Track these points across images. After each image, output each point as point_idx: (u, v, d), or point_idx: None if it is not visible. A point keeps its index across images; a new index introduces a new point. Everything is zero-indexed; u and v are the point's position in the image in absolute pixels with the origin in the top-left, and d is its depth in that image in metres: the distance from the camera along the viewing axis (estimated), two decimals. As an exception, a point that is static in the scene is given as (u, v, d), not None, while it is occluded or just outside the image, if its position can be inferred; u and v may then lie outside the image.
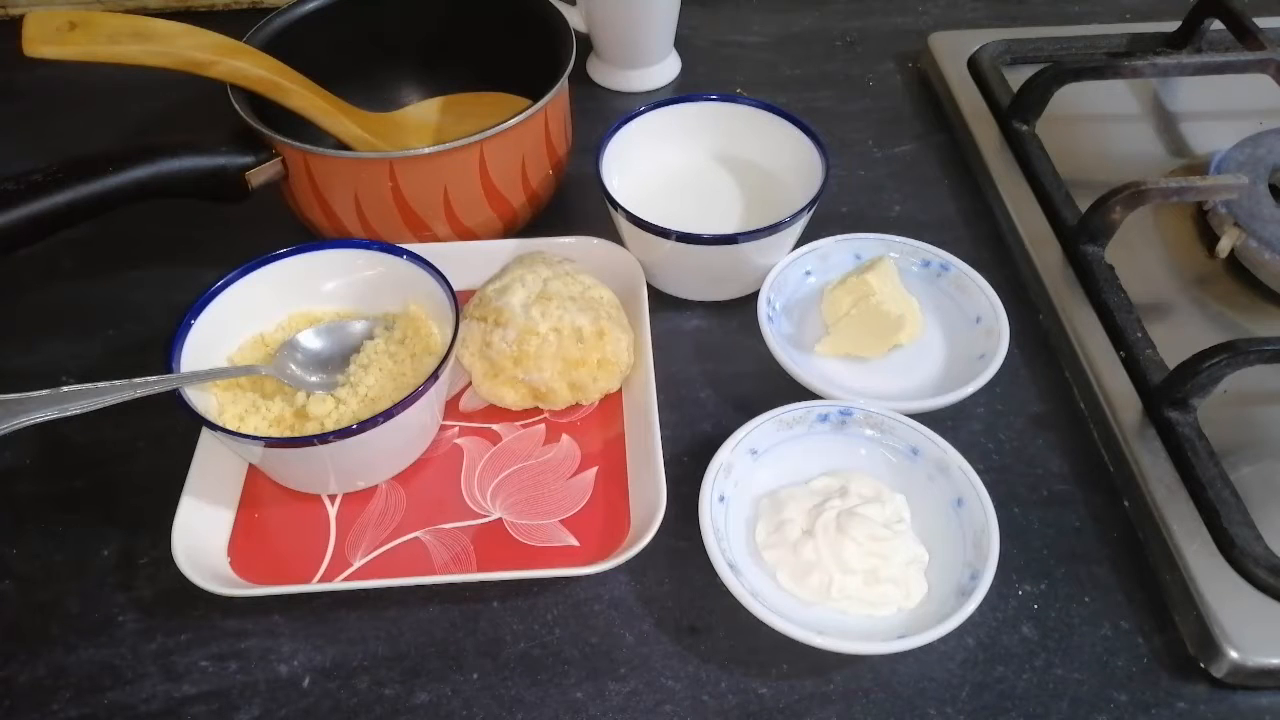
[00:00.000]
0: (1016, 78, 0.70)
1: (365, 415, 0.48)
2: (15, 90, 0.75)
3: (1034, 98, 0.67)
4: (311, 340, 0.52)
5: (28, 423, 0.42)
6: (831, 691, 0.43)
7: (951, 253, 0.57)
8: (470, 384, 0.53)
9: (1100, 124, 0.72)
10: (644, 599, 0.46)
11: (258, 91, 0.56)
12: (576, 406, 0.53)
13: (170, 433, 0.50)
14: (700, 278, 0.58)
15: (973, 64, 0.74)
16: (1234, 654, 0.42)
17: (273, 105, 0.56)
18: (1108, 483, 0.51)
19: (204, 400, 0.48)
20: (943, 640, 0.42)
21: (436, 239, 0.58)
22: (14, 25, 0.50)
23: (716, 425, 0.53)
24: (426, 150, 0.54)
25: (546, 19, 0.62)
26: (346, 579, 0.46)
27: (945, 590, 0.44)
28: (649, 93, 0.75)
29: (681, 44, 0.78)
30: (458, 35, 0.67)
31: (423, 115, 0.68)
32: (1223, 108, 0.72)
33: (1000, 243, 0.63)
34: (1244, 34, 0.70)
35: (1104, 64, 0.67)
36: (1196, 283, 0.60)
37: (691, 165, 0.63)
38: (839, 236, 0.58)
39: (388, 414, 0.45)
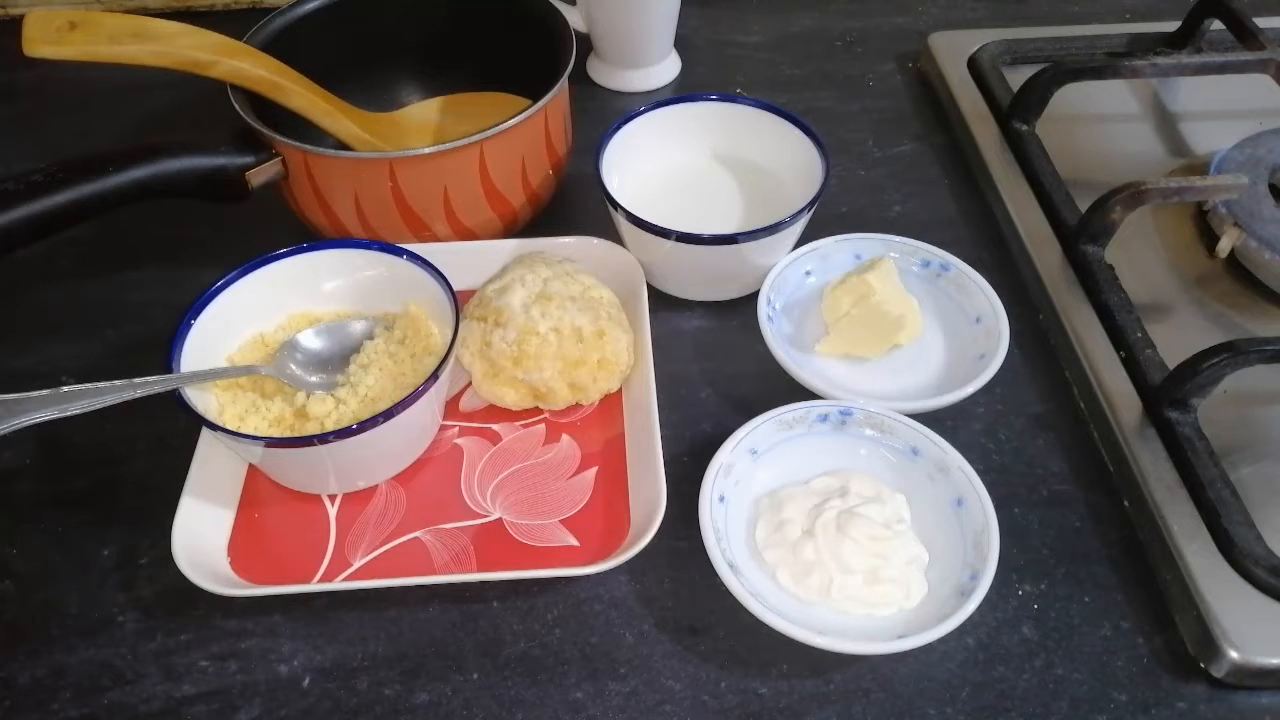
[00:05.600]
0: (1016, 78, 0.70)
1: (365, 415, 0.48)
2: (15, 90, 0.75)
3: (1034, 98, 0.67)
4: (311, 340, 0.52)
5: (28, 423, 0.42)
6: (831, 691, 0.43)
7: (951, 253, 0.57)
8: (470, 384, 0.53)
9: (1100, 124, 0.72)
10: (644, 599, 0.46)
11: (258, 91, 0.56)
12: (576, 406, 0.53)
13: (170, 433, 0.50)
14: (700, 278, 0.58)
15: (973, 64, 0.74)
16: (1234, 654, 0.42)
17: (273, 105, 0.56)
18: (1108, 483, 0.51)
19: (204, 400, 0.48)
20: (943, 640, 0.42)
21: (436, 239, 0.58)
22: (14, 25, 0.50)
23: (716, 425, 0.53)
24: (426, 150, 0.54)
25: (546, 19, 0.62)
26: (346, 579, 0.46)
27: (945, 590, 0.44)
28: (649, 93, 0.75)
29: (681, 44, 0.78)
30: (458, 35, 0.67)
31: (423, 115, 0.68)
32: (1223, 108, 0.72)
33: (1000, 243, 0.63)
34: (1244, 34, 0.70)
35: (1104, 64, 0.67)
36: (1196, 283, 0.60)
37: (691, 165, 0.63)
38: (839, 236, 0.58)
39: (388, 414, 0.45)
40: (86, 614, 0.46)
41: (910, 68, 0.78)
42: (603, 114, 0.72)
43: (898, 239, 0.58)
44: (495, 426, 0.52)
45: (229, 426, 0.47)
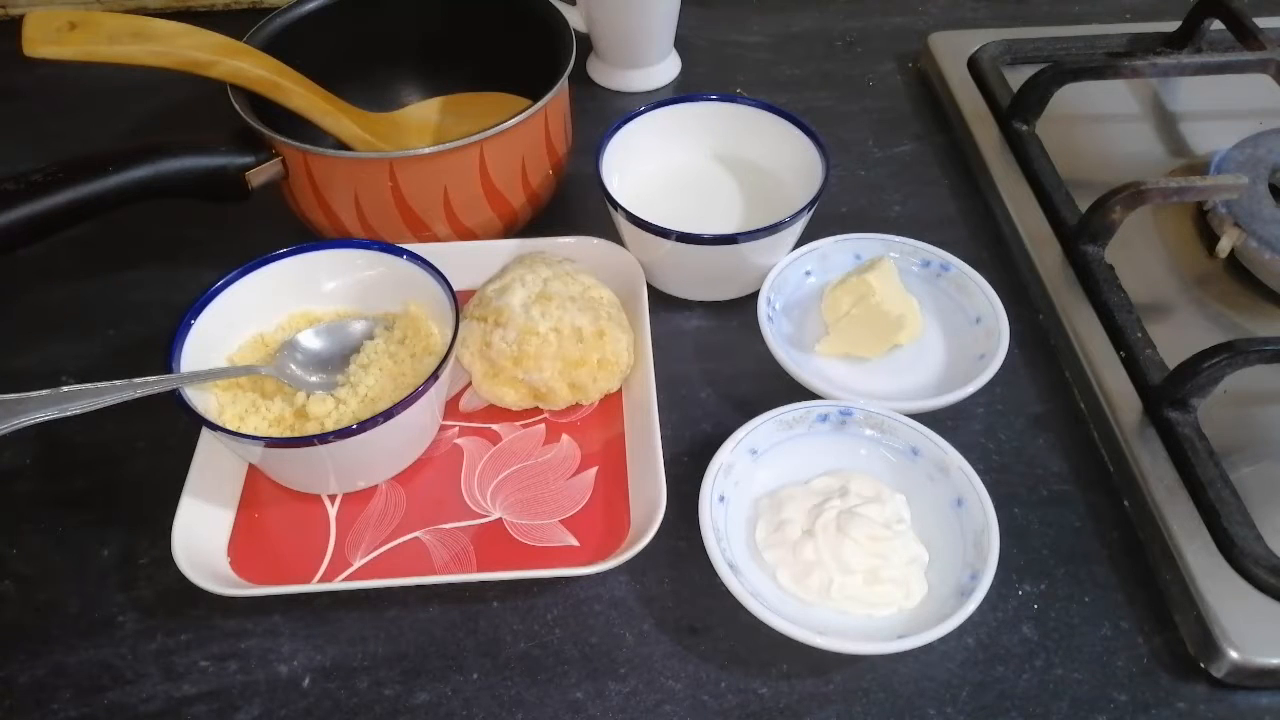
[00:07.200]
0: (1016, 78, 0.70)
1: (365, 415, 0.48)
2: (15, 90, 0.75)
3: (1034, 98, 0.67)
4: (311, 340, 0.52)
5: (28, 423, 0.42)
6: (831, 691, 0.43)
7: (951, 253, 0.57)
8: (470, 384, 0.53)
9: (1100, 124, 0.72)
10: (644, 599, 0.46)
11: (258, 91, 0.56)
12: (576, 406, 0.53)
13: (170, 433, 0.50)
14: (700, 278, 0.58)
15: (973, 64, 0.74)
16: (1234, 654, 0.42)
17: (273, 105, 0.56)
18: (1108, 483, 0.51)
19: (204, 400, 0.48)
20: (943, 640, 0.42)
21: (436, 239, 0.58)
22: (14, 25, 0.50)
23: (716, 425, 0.53)
24: (426, 150, 0.54)
25: (546, 19, 0.62)
26: (346, 579, 0.46)
27: (945, 590, 0.44)
28: (649, 93, 0.75)
29: (681, 44, 0.78)
30: (458, 35, 0.67)
31: (423, 115, 0.68)
32: (1223, 108, 0.72)
33: (1000, 243, 0.63)
34: (1244, 34, 0.70)
35: (1104, 64, 0.67)
36: (1196, 283, 0.60)
37: (691, 165, 0.63)
38: (839, 236, 0.58)
39: (388, 414, 0.45)
40: (86, 614, 0.46)
41: (910, 68, 0.78)
42: (603, 114, 0.72)
43: (898, 239, 0.58)
44: (495, 426, 0.52)
45: (229, 426, 0.47)
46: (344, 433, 0.44)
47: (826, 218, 0.61)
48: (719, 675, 0.44)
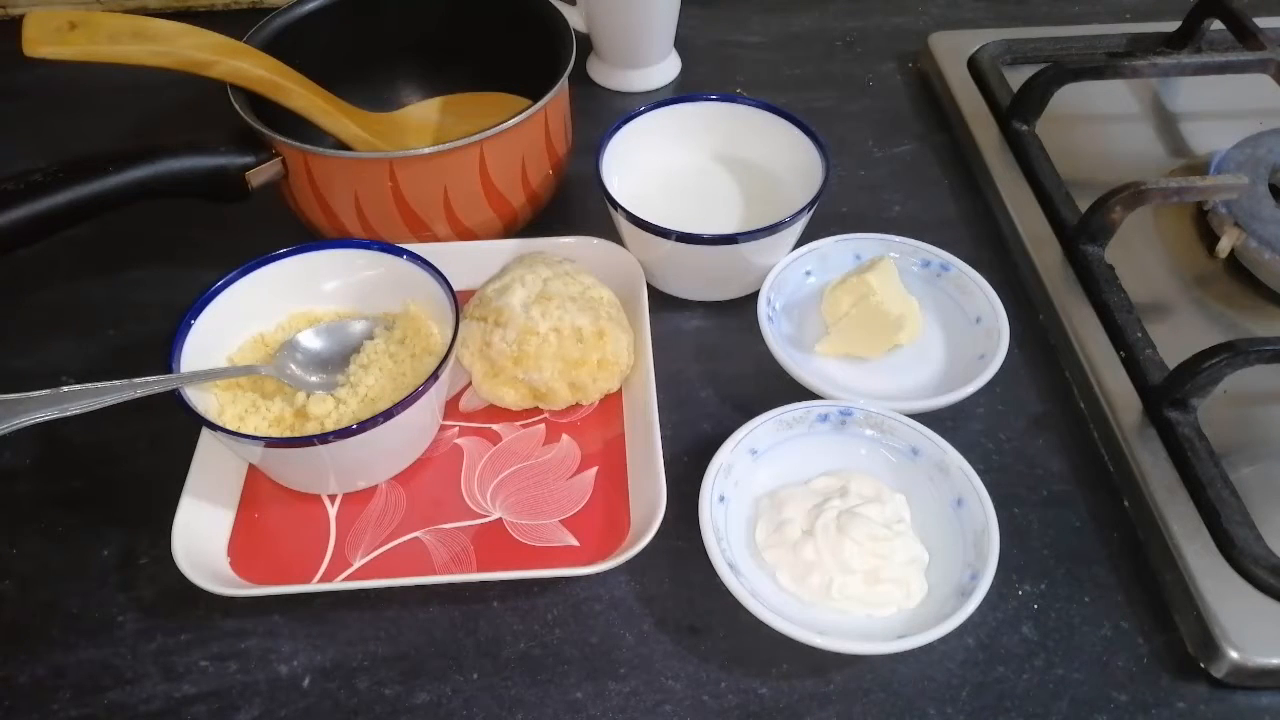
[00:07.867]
0: (1016, 78, 0.70)
1: (365, 415, 0.48)
2: (15, 90, 0.75)
3: (1034, 98, 0.67)
4: (311, 340, 0.52)
5: (28, 423, 0.42)
6: (831, 691, 0.43)
7: (951, 253, 0.57)
8: (470, 384, 0.53)
9: (1100, 124, 0.72)
10: (644, 599, 0.46)
11: (258, 91, 0.56)
12: (576, 406, 0.53)
13: (170, 433, 0.50)
14: (700, 278, 0.58)
15: (973, 64, 0.74)
16: (1234, 654, 0.42)
17: (273, 105, 0.56)
18: (1108, 483, 0.51)
19: (204, 400, 0.48)
20: (943, 640, 0.42)
21: (436, 239, 0.58)
22: (14, 25, 0.50)
23: (716, 425, 0.53)
24: (426, 150, 0.54)
25: (546, 19, 0.62)
26: (346, 579, 0.46)
27: (945, 590, 0.44)
28: (649, 93, 0.76)
29: (681, 44, 0.78)
30: (458, 35, 0.67)
31: (423, 115, 0.68)
32: (1223, 108, 0.72)
33: (1000, 243, 0.63)
34: (1244, 34, 0.70)
35: (1104, 64, 0.67)
36: (1196, 283, 0.60)
37: (691, 165, 0.63)
38: (839, 236, 0.58)
39: (388, 414, 0.45)
40: (86, 614, 0.46)
41: (910, 68, 0.78)
42: (603, 114, 0.72)
43: (898, 239, 0.58)
44: (495, 426, 0.52)
45: (229, 426, 0.47)
46: (344, 433, 0.44)
47: (826, 218, 0.61)
48: (719, 675, 0.44)
